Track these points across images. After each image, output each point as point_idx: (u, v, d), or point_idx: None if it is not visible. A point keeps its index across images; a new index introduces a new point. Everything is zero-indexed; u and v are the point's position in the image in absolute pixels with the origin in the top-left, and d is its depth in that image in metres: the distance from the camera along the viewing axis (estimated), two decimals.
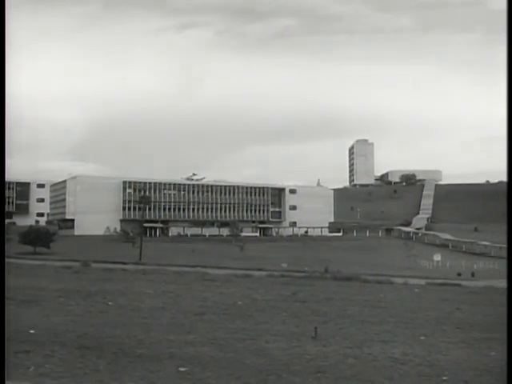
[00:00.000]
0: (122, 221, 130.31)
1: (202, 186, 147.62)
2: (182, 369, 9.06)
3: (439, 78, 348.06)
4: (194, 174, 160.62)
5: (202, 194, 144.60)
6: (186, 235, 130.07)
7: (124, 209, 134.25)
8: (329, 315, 15.72)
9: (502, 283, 34.78)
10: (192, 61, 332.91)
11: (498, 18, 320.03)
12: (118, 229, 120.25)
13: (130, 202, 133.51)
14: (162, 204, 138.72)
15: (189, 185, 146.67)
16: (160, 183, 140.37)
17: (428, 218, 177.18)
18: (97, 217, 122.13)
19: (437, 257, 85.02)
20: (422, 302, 20.38)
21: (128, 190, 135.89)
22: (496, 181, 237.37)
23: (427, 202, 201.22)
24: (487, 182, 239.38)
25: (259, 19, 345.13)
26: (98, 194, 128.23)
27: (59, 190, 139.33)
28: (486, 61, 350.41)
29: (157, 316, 14.79)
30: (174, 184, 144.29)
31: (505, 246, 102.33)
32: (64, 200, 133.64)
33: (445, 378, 9.01)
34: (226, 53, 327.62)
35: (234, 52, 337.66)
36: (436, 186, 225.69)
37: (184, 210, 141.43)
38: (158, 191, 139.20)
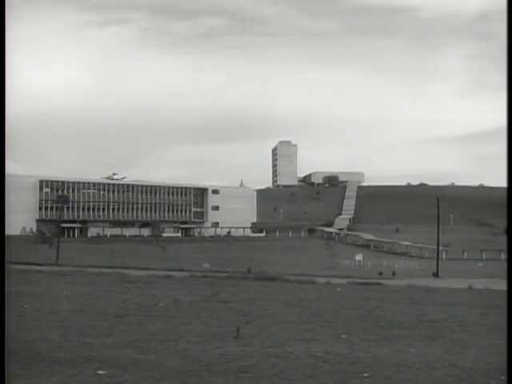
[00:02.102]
0: (38, 221, 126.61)
1: (123, 185, 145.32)
2: (100, 372, 8.82)
3: (364, 82, 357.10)
4: (114, 174, 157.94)
5: (123, 193, 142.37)
6: (106, 236, 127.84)
7: (41, 208, 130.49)
8: (251, 315, 15.68)
9: (422, 282, 35.89)
10: (114, 58, 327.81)
11: (423, 25, 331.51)
12: (35, 229, 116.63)
13: (47, 201, 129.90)
14: (81, 204, 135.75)
15: (109, 184, 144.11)
16: (79, 182, 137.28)
17: (350, 219, 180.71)
18: (12, 216, 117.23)
19: (359, 256, 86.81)
20: (343, 301, 20.66)
21: (45, 189, 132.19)
22: (417, 183, 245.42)
23: (349, 203, 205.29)
24: (408, 184, 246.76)
25: (185, 18, 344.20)
26: (13, 192, 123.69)
27: None
28: (410, 66, 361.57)
29: (74, 319, 14.35)
30: (94, 183, 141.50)
31: (425, 246, 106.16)
32: None
33: (366, 374, 9.11)
34: (150, 51, 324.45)
35: (158, 50, 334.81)
36: (358, 187, 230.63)
37: (103, 209, 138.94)
38: (76, 190, 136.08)
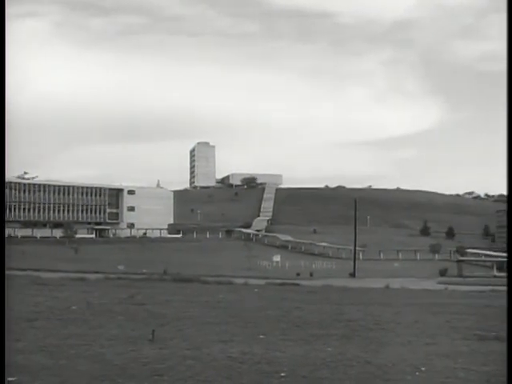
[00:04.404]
0: None
1: (34, 185, 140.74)
2: (10, 379, 8.44)
3: (284, 85, 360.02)
4: (25, 173, 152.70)
5: (34, 193, 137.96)
6: (16, 236, 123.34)
7: None
8: (167, 317, 15.49)
9: (339, 282, 36.59)
10: (27, 52, 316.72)
11: (342, 31, 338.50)
12: None
13: None
14: None
15: (19, 183, 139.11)
16: None
17: (268, 220, 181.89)
18: None
19: (276, 257, 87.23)
20: (261, 302, 20.75)
21: None
22: (335, 185, 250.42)
23: (268, 205, 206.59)
24: (326, 186, 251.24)
25: (102, 14, 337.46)
26: None
27: None
28: (329, 70, 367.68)
29: None
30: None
31: (342, 247, 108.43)
32: None
33: (283, 374, 9.12)
34: (65, 46, 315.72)
35: (73, 46, 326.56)
36: (277, 189, 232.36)
37: (14, 210, 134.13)
38: None
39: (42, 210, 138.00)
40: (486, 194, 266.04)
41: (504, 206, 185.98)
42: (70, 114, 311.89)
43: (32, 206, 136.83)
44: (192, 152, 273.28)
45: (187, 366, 9.50)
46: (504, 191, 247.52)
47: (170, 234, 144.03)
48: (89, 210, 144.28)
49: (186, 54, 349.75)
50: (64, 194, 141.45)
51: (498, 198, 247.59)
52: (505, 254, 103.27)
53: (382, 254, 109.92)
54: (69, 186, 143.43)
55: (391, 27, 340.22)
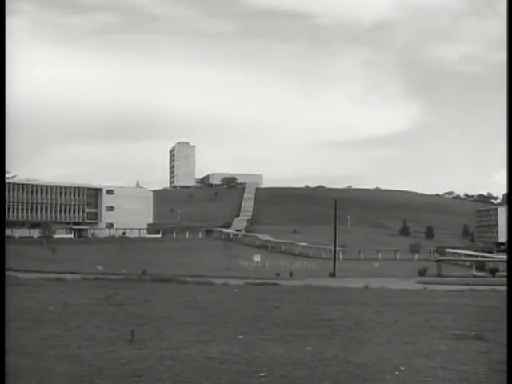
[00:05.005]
0: None
1: (13, 184, 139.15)
2: None
3: (262, 84, 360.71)
4: None
5: (12, 192, 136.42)
6: None
7: None
8: (146, 317, 15.38)
9: (319, 282, 36.62)
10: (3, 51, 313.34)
11: (320, 31, 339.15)
12: None
13: None
14: None
15: None
16: None
17: (248, 220, 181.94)
18: None
19: (256, 257, 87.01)
20: (240, 302, 20.70)
21: None
22: (315, 185, 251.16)
23: (248, 205, 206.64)
24: (306, 186, 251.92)
25: (80, 12, 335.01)
26: None
27: None
28: (308, 71, 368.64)
29: None
30: None
31: (322, 246, 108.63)
32: None
33: (262, 374, 9.09)
34: (43, 44, 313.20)
35: (51, 44, 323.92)
36: (257, 189, 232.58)
37: None
38: None
39: (20, 210, 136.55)
40: (466, 194, 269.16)
41: (483, 206, 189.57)
42: (46, 114, 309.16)
43: (11, 205, 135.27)
44: (172, 152, 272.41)
45: (166, 367, 9.46)
46: (483, 191, 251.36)
47: (149, 233, 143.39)
48: (67, 210, 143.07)
49: (165, 54, 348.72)
50: (42, 193, 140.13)
51: (478, 198, 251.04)
52: (483, 254, 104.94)
53: (362, 254, 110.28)
54: (47, 186, 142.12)
55: (370, 28, 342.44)
